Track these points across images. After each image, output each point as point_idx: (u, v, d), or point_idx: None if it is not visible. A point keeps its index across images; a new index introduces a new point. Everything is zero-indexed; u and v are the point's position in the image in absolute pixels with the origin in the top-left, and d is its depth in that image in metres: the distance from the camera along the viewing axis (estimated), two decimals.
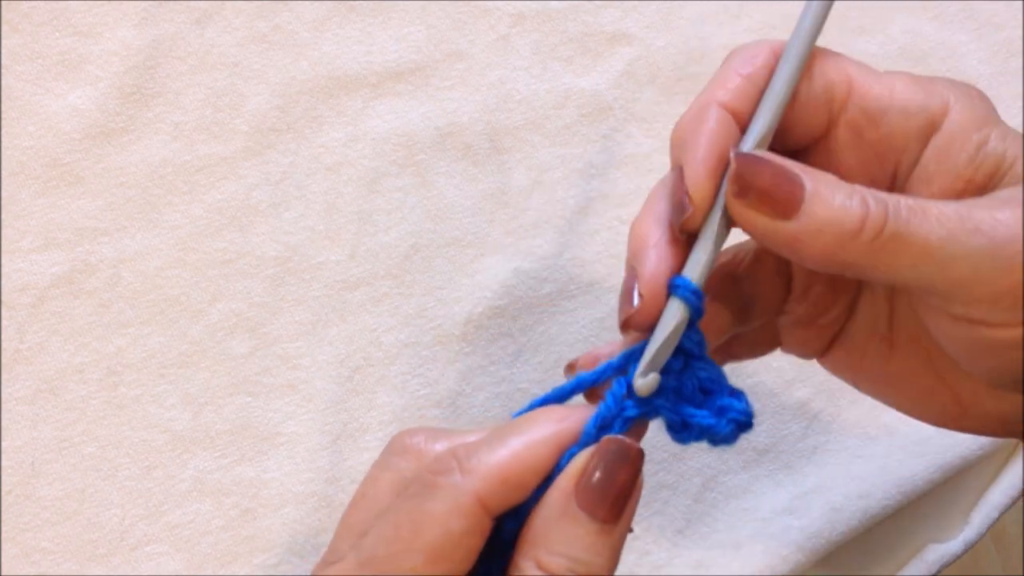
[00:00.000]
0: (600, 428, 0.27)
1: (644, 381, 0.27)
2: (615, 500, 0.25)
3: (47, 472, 0.40)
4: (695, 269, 0.27)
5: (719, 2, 0.50)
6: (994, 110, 0.27)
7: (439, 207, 0.45)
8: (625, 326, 0.27)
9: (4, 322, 0.41)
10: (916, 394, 0.30)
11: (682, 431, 0.28)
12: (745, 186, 0.25)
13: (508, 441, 0.26)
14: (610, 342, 0.30)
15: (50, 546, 0.39)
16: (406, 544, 0.24)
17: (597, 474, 0.25)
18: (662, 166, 0.48)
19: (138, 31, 0.45)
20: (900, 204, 0.24)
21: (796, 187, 0.25)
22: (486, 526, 0.25)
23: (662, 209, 0.27)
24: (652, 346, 0.27)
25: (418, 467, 0.27)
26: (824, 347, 0.32)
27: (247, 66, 0.46)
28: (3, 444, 0.40)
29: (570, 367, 0.30)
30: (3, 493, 0.39)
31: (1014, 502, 0.47)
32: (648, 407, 0.27)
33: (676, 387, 0.28)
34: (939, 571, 0.45)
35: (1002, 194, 0.25)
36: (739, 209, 0.26)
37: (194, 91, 0.45)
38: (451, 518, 0.25)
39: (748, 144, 0.26)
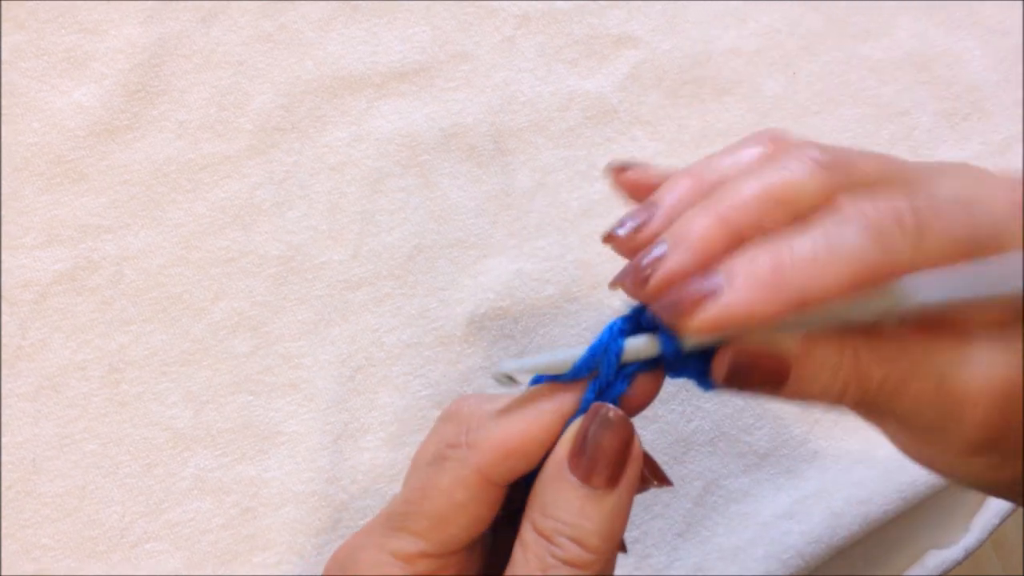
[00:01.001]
0: (599, 394, 0.27)
1: (498, 372, 0.27)
2: (605, 466, 0.26)
3: (48, 469, 0.40)
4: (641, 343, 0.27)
5: (725, 5, 0.50)
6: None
7: (442, 208, 0.45)
8: (614, 285, 0.27)
9: (6, 318, 0.41)
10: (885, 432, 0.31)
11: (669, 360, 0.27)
12: (733, 381, 0.26)
13: (512, 415, 0.27)
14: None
15: (50, 543, 0.39)
16: (415, 507, 0.27)
17: (585, 441, 0.26)
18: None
19: (143, 29, 0.45)
20: (888, 376, 0.25)
21: (783, 372, 0.25)
22: (493, 496, 0.27)
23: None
24: (538, 360, 0.27)
25: (458, 432, 0.28)
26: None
27: (252, 65, 0.46)
28: (4, 440, 0.40)
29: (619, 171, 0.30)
30: (3, 489, 0.39)
31: (1015, 508, 0.47)
32: (643, 365, 0.27)
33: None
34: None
35: (987, 346, 0.26)
36: (726, 388, 0.26)
37: (199, 89, 0.45)
38: (455, 489, 0.27)
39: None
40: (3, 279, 0.41)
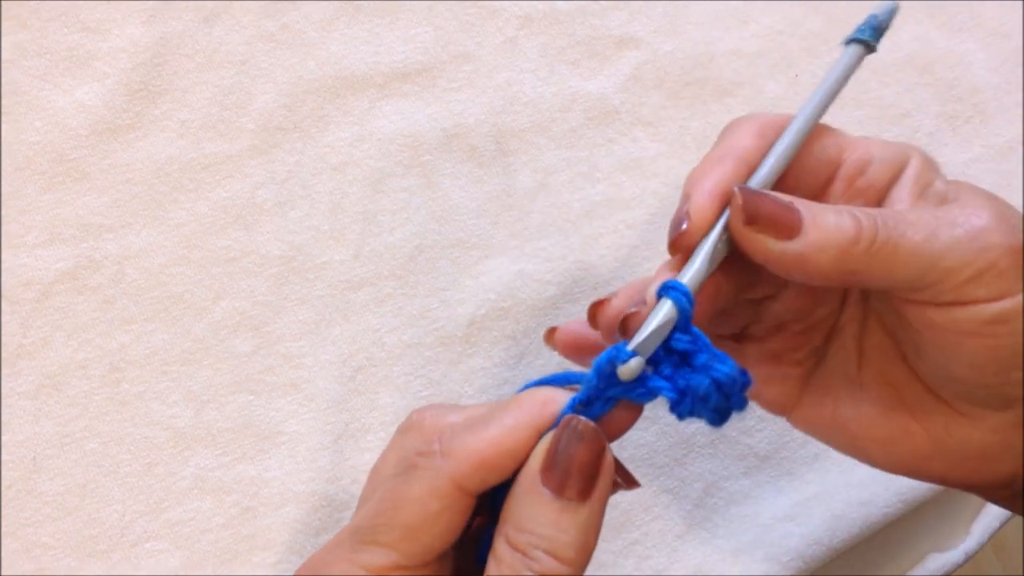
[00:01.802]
0: (578, 410, 0.28)
1: (628, 366, 0.27)
2: (577, 478, 0.26)
3: (48, 467, 0.40)
4: (687, 275, 0.29)
5: (726, 6, 0.50)
6: (938, 165, 0.33)
7: (444, 208, 0.45)
8: (672, 247, 0.30)
9: (7, 317, 0.41)
10: (887, 435, 0.32)
11: (679, 404, 0.29)
12: (752, 214, 0.28)
13: (489, 425, 0.27)
14: (623, 290, 0.32)
15: (50, 541, 0.39)
16: (387, 519, 0.27)
17: (555, 453, 0.27)
18: (668, 170, 0.48)
19: (146, 28, 0.45)
20: (885, 215, 0.29)
21: (795, 212, 0.28)
22: (465, 504, 0.27)
23: (722, 168, 0.30)
24: (640, 335, 0.28)
25: (422, 443, 0.28)
26: (795, 397, 0.34)
27: (254, 65, 0.46)
28: (4, 439, 0.40)
29: (550, 333, 0.32)
30: (4, 488, 0.39)
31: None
32: (626, 389, 0.28)
33: (668, 374, 0.29)
34: None
35: (957, 203, 0.30)
36: (749, 236, 0.29)
37: (201, 89, 0.45)
38: (428, 499, 0.26)
39: (752, 183, 0.30)
40: (4, 278, 0.41)
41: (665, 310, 0.28)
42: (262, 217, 0.44)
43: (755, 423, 0.45)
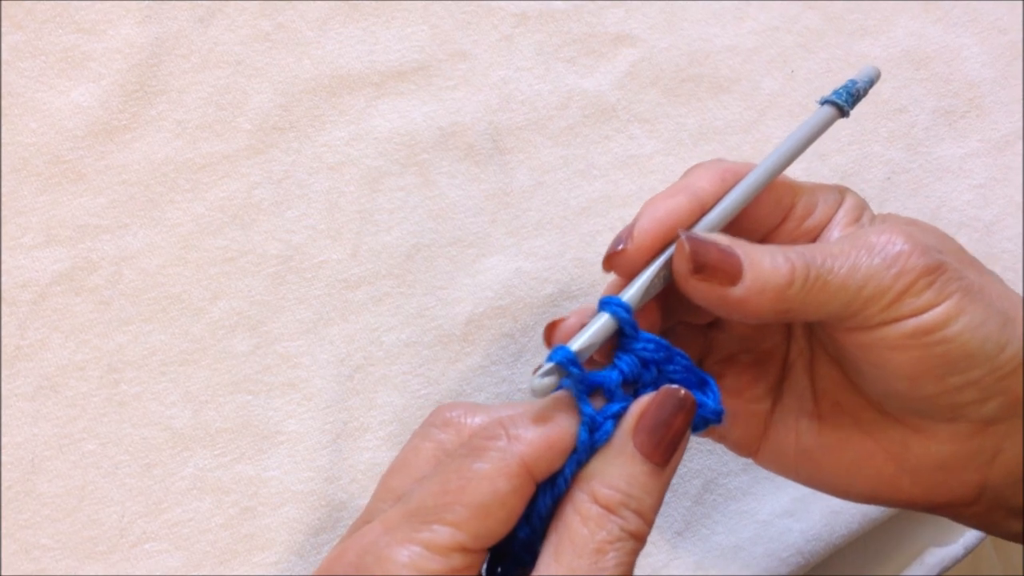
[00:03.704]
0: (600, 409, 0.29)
1: (541, 381, 0.28)
2: (669, 444, 0.28)
3: (47, 469, 0.40)
4: (626, 295, 0.30)
5: (723, 3, 0.50)
6: (866, 204, 0.35)
7: (441, 207, 0.45)
8: (607, 261, 0.31)
9: (5, 318, 0.41)
10: (850, 461, 0.33)
11: None
12: (699, 264, 0.30)
13: (549, 414, 0.28)
14: (576, 311, 0.33)
15: (50, 543, 0.39)
16: (454, 498, 0.27)
17: (655, 419, 0.28)
18: (664, 167, 0.48)
19: (141, 28, 0.45)
20: (812, 251, 0.31)
21: (735, 258, 0.30)
22: (528, 490, 0.27)
23: (676, 201, 0.32)
24: (574, 343, 0.29)
25: (459, 438, 0.29)
26: (758, 438, 0.35)
27: (250, 64, 0.46)
28: (3, 440, 0.40)
29: (551, 328, 0.33)
30: (3, 489, 0.39)
31: None
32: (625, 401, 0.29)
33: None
34: (939, 574, 0.45)
35: (873, 226, 0.33)
36: (694, 284, 0.30)
37: (197, 89, 0.45)
38: (499, 477, 0.27)
39: (701, 227, 0.32)
40: (2, 279, 0.41)
41: (601, 322, 0.29)
42: (259, 217, 0.44)
43: None
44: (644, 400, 0.29)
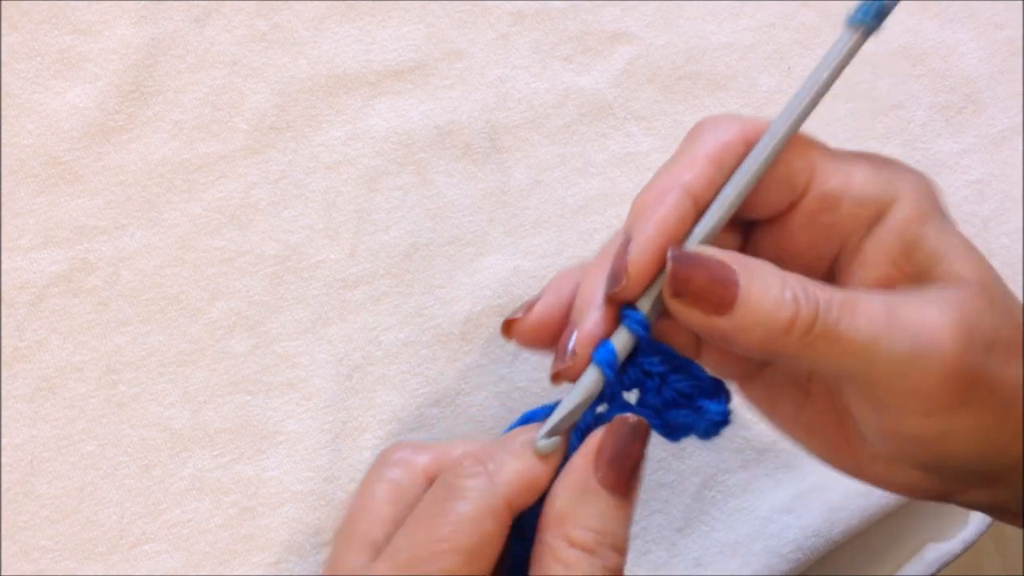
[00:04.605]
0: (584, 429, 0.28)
1: (546, 443, 0.28)
2: (630, 473, 0.27)
3: (46, 470, 0.40)
4: (620, 339, 0.28)
5: (719, 1, 0.50)
6: (940, 203, 0.28)
7: (439, 206, 0.45)
8: (555, 378, 0.29)
9: (3, 320, 0.41)
10: (822, 444, 0.31)
11: (668, 433, 0.29)
12: (681, 288, 0.26)
13: (523, 450, 0.28)
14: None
15: (49, 544, 0.39)
16: (446, 545, 0.26)
17: (613, 451, 0.27)
18: (661, 165, 0.48)
19: (137, 29, 0.45)
20: (832, 301, 0.26)
21: (730, 288, 0.26)
22: (509, 523, 0.27)
23: (665, 211, 0.28)
24: (560, 411, 0.28)
25: (412, 476, 0.28)
26: (745, 375, 0.33)
27: (246, 64, 0.46)
28: (2, 442, 0.40)
29: (507, 326, 0.31)
30: (2, 491, 0.39)
31: None
32: (626, 408, 0.29)
33: (655, 404, 0.29)
34: (938, 570, 0.45)
35: (931, 293, 0.27)
36: (675, 306, 0.27)
37: (193, 89, 0.45)
38: (485, 519, 0.26)
39: (693, 240, 0.28)
40: (1, 281, 0.41)
41: (589, 381, 0.28)
42: (256, 217, 0.44)
43: (752, 416, 0.45)
44: (598, 434, 0.28)
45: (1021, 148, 0.51)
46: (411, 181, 0.45)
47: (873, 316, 0.26)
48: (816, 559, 0.43)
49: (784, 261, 0.28)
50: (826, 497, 0.43)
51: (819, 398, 0.31)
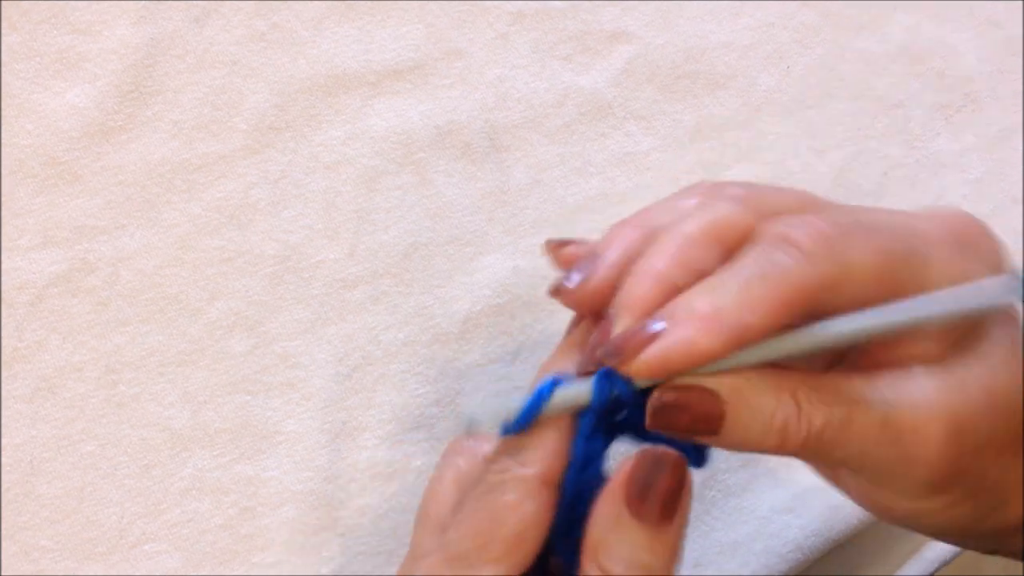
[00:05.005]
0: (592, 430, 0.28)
1: (511, 430, 0.28)
2: (663, 504, 0.26)
3: (46, 470, 0.40)
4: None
5: (718, 1, 0.50)
6: (980, 250, 0.28)
7: (438, 205, 0.45)
8: (556, 294, 0.29)
9: (3, 320, 0.41)
10: (847, 490, 0.32)
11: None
12: (663, 428, 0.26)
13: (547, 430, 0.28)
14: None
15: (49, 544, 0.39)
16: (489, 536, 0.27)
17: (640, 484, 0.27)
18: (661, 164, 0.48)
19: (136, 29, 0.45)
20: (826, 428, 0.26)
21: (713, 422, 0.26)
22: (553, 497, 0.27)
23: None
24: (532, 407, 0.27)
25: (472, 462, 0.29)
26: None
27: (245, 64, 0.46)
28: (2, 442, 0.40)
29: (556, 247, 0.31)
30: (2, 491, 0.39)
31: None
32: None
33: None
34: (938, 570, 0.45)
35: (932, 393, 0.26)
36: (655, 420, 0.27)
37: (192, 89, 0.45)
38: (524, 502, 0.27)
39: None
40: (0, 281, 0.41)
41: (577, 391, 0.27)
42: (256, 217, 0.44)
43: None
44: (627, 462, 0.27)
45: (1021, 147, 0.51)
46: (410, 181, 0.45)
47: (865, 434, 0.26)
48: (816, 559, 0.43)
49: None
50: (826, 497, 0.43)
51: None
